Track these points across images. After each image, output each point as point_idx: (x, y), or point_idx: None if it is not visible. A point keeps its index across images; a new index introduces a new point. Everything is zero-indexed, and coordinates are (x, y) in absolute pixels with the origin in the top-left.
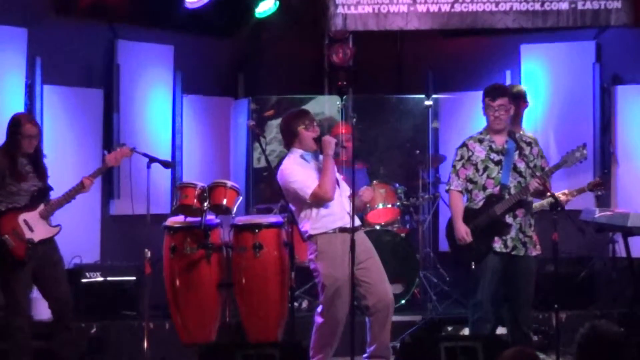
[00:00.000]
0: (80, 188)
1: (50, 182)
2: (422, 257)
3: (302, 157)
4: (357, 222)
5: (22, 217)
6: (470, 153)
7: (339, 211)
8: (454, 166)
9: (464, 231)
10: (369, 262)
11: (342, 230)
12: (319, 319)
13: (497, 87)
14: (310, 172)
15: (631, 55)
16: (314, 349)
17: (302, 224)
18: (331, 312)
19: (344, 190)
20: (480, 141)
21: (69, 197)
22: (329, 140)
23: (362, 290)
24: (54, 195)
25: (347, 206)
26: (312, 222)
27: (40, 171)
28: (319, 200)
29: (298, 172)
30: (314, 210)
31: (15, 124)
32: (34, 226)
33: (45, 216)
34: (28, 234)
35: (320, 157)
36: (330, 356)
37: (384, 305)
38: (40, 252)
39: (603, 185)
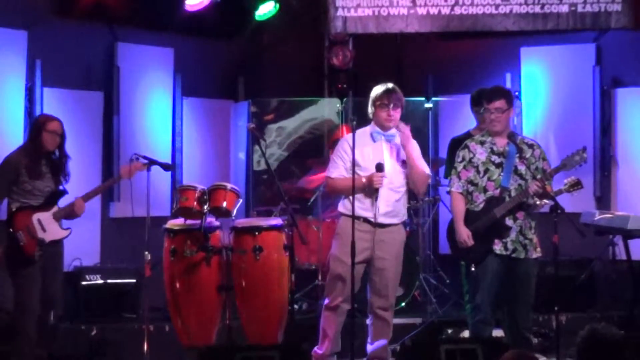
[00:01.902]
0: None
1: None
2: (422, 260)
3: (371, 135)
4: (389, 221)
5: (36, 216)
6: (471, 155)
7: (368, 203)
8: (455, 168)
9: (465, 235)
10: (384, 262)
11: (366, 221)
12: (322, 306)
13: (494, 90)
14: (364, 155)
15: (631, 57)
16: (319, 341)
17: (340, 200)
18: (331, 297)
19: (390, 183)
20: (482, 143)
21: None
22: (374, 179)
23: (369, 285)
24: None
25: (387, 200)
26: (345, 202)
27: (58, 173)
28: (327, 186)
29: (343, 153)
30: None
31: (40, 121)
32: (46, 227)
33: (58, 218)
34: (40, 234)
35: (392, 138)
36: (330, 351)
37: (382, 307)
38: (49, 252)
39: (581, 184)
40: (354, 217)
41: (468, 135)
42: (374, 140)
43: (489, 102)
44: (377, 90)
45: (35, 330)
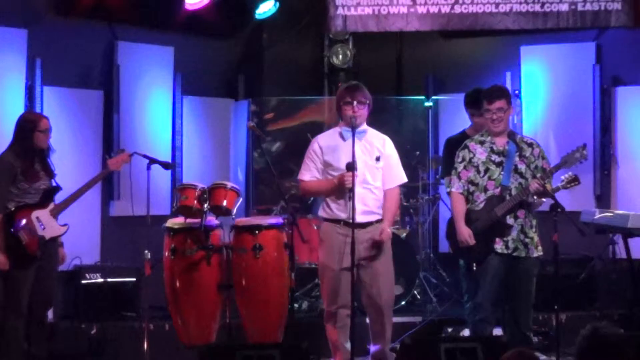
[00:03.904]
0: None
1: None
2: (422, 258)
3: (340, 134)
4: (367, 219)
5: (35, 214)
6: (471, 155)
7: (343, 204)
8: (455, 168)
9: (466, 234)
10: (371, 263)
11: (347, 224)
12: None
13: (494, 90)
14: (335, 156)
15: (631, 56)
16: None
17: (320, 205)
18: (327, 303)
19: (363, 182)
20: (482, 143)
21: (75, 197)
22: (344, 178)
23: (361, 288)
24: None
25: (363, 198)
26: (324, 206)
27: (48, 169)
28: (300, 189)
29: (312, 154)
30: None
31: (30, 121)
32: (45, 224)
33: (55, 214)
34: (40, 231)
35: (363, 135)
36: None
37: (376, 308)
38: (46, 250)
39: (578, 179)
40: (353, 220)
41: (463, 134)
42: (344, 139)
43: (490, 103)
44: (341, 88)
45: (32, 329)
